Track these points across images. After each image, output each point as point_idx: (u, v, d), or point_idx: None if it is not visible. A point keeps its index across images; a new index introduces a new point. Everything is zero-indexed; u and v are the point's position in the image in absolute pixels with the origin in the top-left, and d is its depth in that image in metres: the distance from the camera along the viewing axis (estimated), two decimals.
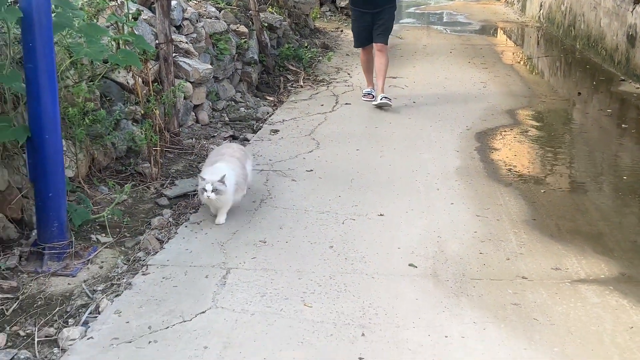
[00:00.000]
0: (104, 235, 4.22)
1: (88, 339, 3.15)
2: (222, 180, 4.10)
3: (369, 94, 7.52)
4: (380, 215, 4.60)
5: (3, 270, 3.71)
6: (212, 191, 4.07)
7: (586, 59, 10.36)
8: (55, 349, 3.12)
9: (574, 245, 4.18)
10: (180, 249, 4.05)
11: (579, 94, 8.51)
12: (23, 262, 3.83)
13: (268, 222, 4.45)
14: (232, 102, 7.49)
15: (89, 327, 3.25)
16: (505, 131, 6.71)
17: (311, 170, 5.45)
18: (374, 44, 7.29)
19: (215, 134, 6.47)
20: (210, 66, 6.69)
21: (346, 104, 7.58)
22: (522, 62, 10.61)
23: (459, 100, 7.85)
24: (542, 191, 5.11)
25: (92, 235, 4.20)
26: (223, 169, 4.18)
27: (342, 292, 3.60)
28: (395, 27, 8.32)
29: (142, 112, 5.18)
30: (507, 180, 5.30)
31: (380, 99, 7.11)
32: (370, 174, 5.38)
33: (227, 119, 7.02)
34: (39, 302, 3.49)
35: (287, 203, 4.77)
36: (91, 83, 4.79)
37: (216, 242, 4.15)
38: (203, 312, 3.38)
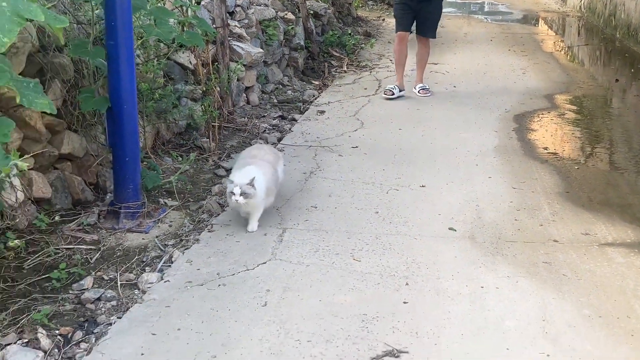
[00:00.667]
0: (170, 199, 4.66)
1: (165, 282, 3.58)
2: (251, 184, 3.82)
3: (390, 90, 7.21)
4: (422, 186, 4.96)
5: (85, 226, 4.17)
6: (241, 195, 3.78)
7: (626, 47, 10.50)
8: (136, 290, 3.56)
9: (604, 215, 4.48)
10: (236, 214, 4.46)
11: (617, 80, 8.70)
12: (101, 220, 4.29)
13: (318, 190, 4.84)
14: (280, 86, 7.90)
15: (164, 273, 3.69)
16: (542, 114, 6.97)
17: (356, 147, 5.82)
18: (418, 36, 7.23)
19: (265, 114, 6.89)
20: (261, 50, 7.11)
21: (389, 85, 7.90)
22: (561, 51, 10.79)
23: (499, 85, 8.12)
24: (576, 167, 5.40)
25: (161, 199, 4.64)
26: (253, 172, 3.91)
27: (387, 250, 3.97)
28: None
29: (203, 89, 5.61)
30: (543, 158, 5.60)
31: (418, 92, 7.16)
32: (412, 151, 5.73)
33: (275, 100, 7.43)
34: (118, 253, 3.93)
35: (335, 175, 5.15)
36: (157, 63, 5.23)
37: (272, 206, 4.56)
38: (264, 263, 3.79)
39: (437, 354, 3.02)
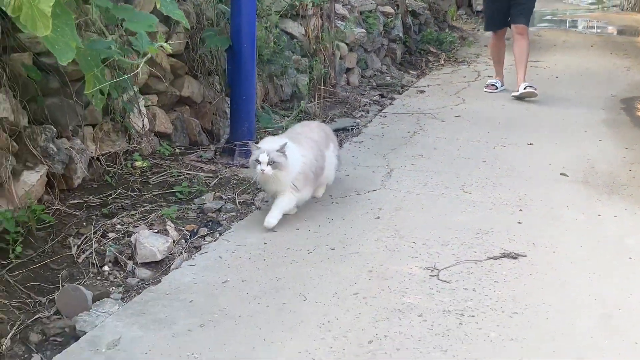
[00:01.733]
0: None
1: None
2: (282, 151, 3.10)
3: (492, 84, 6.83)
4: (530, 144, 4.92)
5: (203, 159, 4.38)
6: (268, 164, 3.07)
7: None
8: (253, 207, 3.69)
9: None
10: (347, 155, 4.57)
11: None
12: (217, 157, 4.48)
13: (422, 144, 4.89)
14: (378, 73, 8.03)
15: None
16: None
17: (459, 116, 5.84)
18: (512, 26, 6.45)
19: (365, 93, 7.01)
20: (364, 30, 7.28)
21: (489, 76, 7.88)
22: None
23: (602, 78, 7.94)
24: None
25: None
26: (287, 144, 3.19)
27: (498, 186, 3.96)
28: (531, 29, 8.39)
29: (313, 48, 5.80)
30: None
31: (524, 88, 6.36)
32: (517, 119, 5.70)
33: (374, 84, 7.55)
34: (233, 181, 4.09)
35: (439, 134, 5.19)
36: (268, 28, 5.47)
37: (378, 153, 4.65)
38: (374, 190, 3.86)
39: (556, 259, 2.98)
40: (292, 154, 3.16)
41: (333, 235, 3.21)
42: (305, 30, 5.96)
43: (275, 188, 3.22)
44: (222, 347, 2.27)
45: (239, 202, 3.74)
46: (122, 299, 2.69)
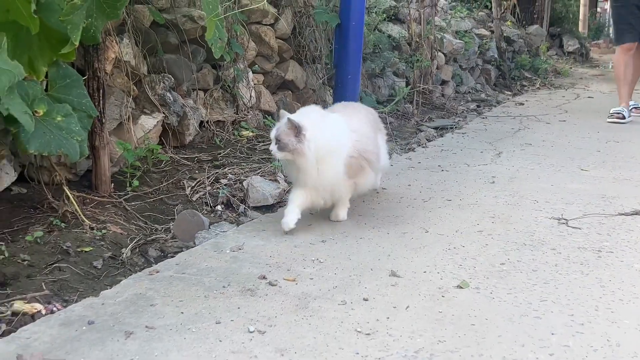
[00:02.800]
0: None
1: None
2: (298, 128, 2.31)
3: (618, 113, 5.53)
4: None
5: None
6: (276, 143, 2.35)
7: None
8: None
9: None
10: (451, 141, 4.47)
11: None
12: None
13: (529, 138, 4.74)
14: (473, 90, 7.92)
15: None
16: None
17: (564, 121, 5.64)
18: None
19: (461, 103, 6.91)
20: (461, 41, 7.22)
21: (588, 97, 7.66)
22: None
23: None
24: None
25: None
26: (320, 117, 2.47)
27: (617, 168, 3.76)
28: None
29: (413, 52, 5.78)
30: None
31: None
32: (629, 126, 5.43)
33: (469, 99, 7.43)
34: None
35: (544, 131, 5.02)
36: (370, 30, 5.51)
37: (483, 141, 4.53)
38: (484, 164, 3.73)
39: None
40: (338, 130, 2.42)
41: (447, 191, 3.10)
42: (408, 33, 5.95)
43: (296, 172, 2.42)
44: (347, 256, 2.18)
45: None
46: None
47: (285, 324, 1.67)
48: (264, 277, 1.98)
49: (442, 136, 4.85)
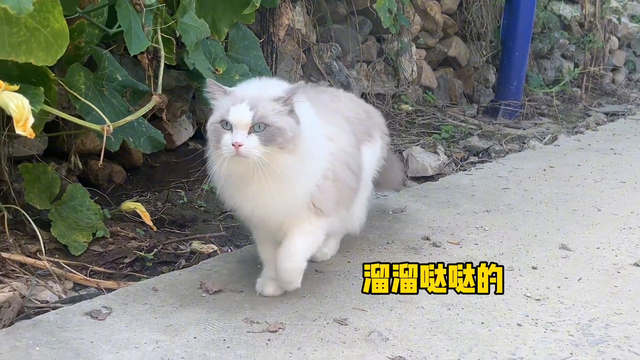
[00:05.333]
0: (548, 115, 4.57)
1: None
2: (287, 104, 1.46)
3: None
4: None
5: (465, 115, 4.28)
6: (252, 131, 1.42)
7: None
8: (525, 146, 3.50)
9: None
10: (624, 126, 4.23)
11: None
12: (479, 115, 4.36)
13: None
14: None
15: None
16: None
17: None
18: None
19: (634, 92, 6.45)
20: (637, 25, 6.74)
21: None
22: None
23: None
24: None
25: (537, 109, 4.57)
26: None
27: None
28: None
29: (589, 20, 5.47)
30: None
31: None
32: None
33: None
34: (497, 135, 3.92)
35: None
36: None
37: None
38: None
39: None
40: (310, 128, 1.50)
41: (621, 173, 2.95)
42: (581, 13, 5.63)
43: (271, 206, 1.50)
44: (514, 227, 2.13)
45: (507, 149, 3.57)
46: None
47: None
48: (427, 239, 1.98)
49: (612, 121, 4.57)
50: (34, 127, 1.37)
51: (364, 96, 3.81)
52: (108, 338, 1.35)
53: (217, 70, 2.45)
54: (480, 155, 3.29)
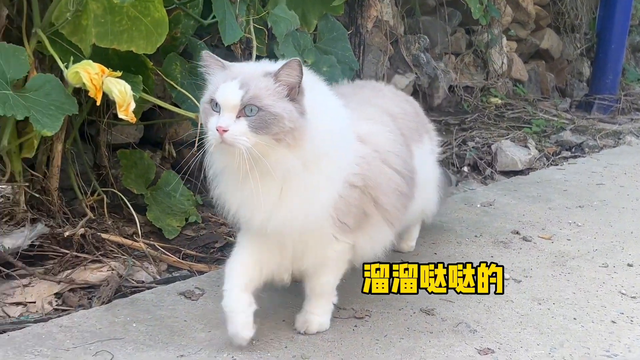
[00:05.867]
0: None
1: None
2: (299, 83, 1.25)
3: None
4: None
5: (559, 109, 4.15)
6: (242, 114, 1.23)
7: None
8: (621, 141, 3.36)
9: None
10: None
11: None
12: (571, 109, 4.21)
13: None
14: None
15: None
16: None
17: None
18: None
19: None
20: None
21: None
22: None
23: None
24: None
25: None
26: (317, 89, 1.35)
27: None
28: None
29: None
30: None
31: None
32: None
33: None
34: (592, 130, 3.76)
35: None
36: None
37: None
38: None
39: None
40: (326, 122, 1.29)
41: None
42: None
43: (274, 215, 1.28)
44: (608, 223, 2.06)
45: (601, 144, 3.43)
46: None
47: (542, 277, 1.63)
48: (517, 232, 1.93)
49: None
50: (133, 113, 1.43)
51: (451, 89, 3.76)
52: (201, 317, 1.40)
53: (305, 61, 2.48)
54: (573, 150, 3.19)
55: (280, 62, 1.27)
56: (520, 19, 4.29)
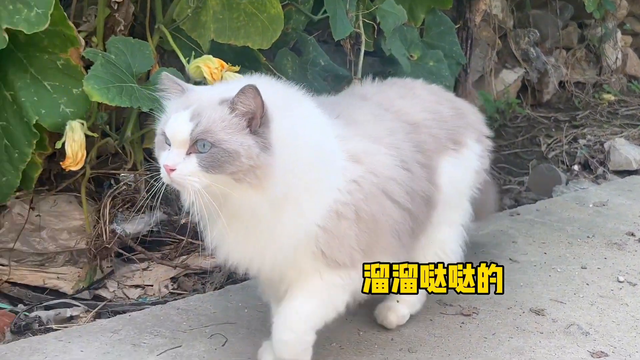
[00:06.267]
0: None
1: None
2: (263, 110, 1.10)
3: None
4: None
5: None
6: (192, 151, 1.09)
7: None
8: None
9: None
10: None
11: None
12: None
13: None
14: None
15: None
16: None
17: None
18: None
19: None
20: None
21: None
22: None
23: None
24: None
25: None
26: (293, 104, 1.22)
27: None
28: None
29: None
30: None
31: None
32: None
33: None
34: None
35: None
36: None
37: None
38: None
39: None
40: (314, 149, 1.16)
41: None
42: None
43: (249, 253, 1.19)
44: None
45: None
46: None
47: None
48: (632, 234, 1.86)
49: None
50: None
51: (562, 85, 3.64)
52: None
53: (411, 56, 2.47)
54: None
55: (276, 86, 1.14)
56: (636, 13, 4.11)
